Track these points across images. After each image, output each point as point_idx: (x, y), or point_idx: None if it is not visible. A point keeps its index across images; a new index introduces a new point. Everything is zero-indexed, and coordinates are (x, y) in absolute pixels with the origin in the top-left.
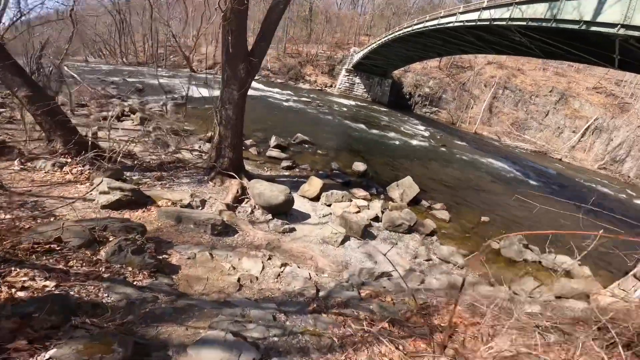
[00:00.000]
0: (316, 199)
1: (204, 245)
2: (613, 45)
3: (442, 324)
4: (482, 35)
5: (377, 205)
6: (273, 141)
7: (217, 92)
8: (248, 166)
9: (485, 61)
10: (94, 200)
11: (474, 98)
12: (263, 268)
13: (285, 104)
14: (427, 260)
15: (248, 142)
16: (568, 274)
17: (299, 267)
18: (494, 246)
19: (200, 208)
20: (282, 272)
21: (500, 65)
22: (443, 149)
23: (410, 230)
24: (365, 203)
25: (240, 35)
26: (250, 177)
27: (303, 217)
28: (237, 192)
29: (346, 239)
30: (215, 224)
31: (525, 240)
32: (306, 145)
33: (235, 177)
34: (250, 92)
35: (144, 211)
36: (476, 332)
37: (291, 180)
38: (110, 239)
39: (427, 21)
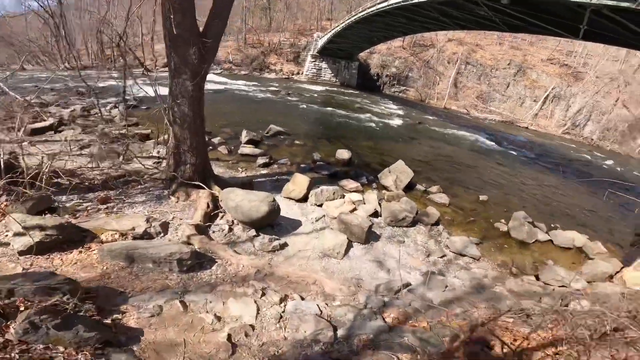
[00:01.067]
0: (304, 199)
1: (171, 291)
2: (580, 16)
3: (505, 351)
4: (447, 10)
5: (372, 197)
6: (244, 136)
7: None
8: (218, 169)
9: (445, 39)
10: (9, 244)
11: (439, 75)
12: (258, 311)
13: (252, 95)
14: (441, 257)
15: (216, 140)
16: (580, 250)
17: (303, 299)
18: (502, 228)
19: (162, 235)
20: (283, 311)
21: (460, 41)
22: (420, 125)
23: (414, 222)
24: (359, 197)
25: (188, 11)
26: (223, 183)
27: (293, 225)
28: (208, 206)
29: (349, 246)
30: (182, 258)
31: (530, 217)
32: (281, 137)
33: (203, 187)
34: (213, 86)
35: (80, 252)
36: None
37: (271, 180)
38: (21, 308)
39: None
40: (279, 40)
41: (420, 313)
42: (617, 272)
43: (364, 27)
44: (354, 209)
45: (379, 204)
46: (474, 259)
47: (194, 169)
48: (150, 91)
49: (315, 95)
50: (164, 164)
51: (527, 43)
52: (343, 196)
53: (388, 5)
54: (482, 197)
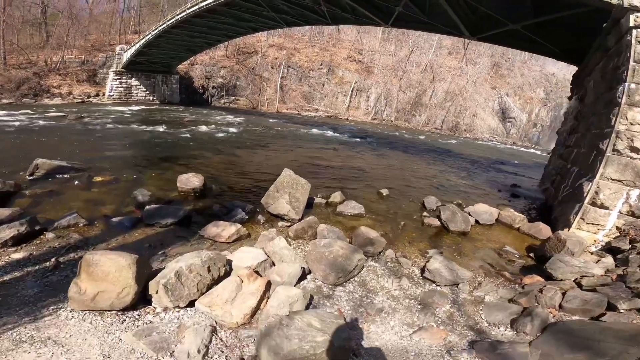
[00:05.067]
0: (133, 304)
1: None
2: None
3: None
4: (277, 4)
5: (279, 242)
6: None
7: None
8: None
9: (267, 44)
10: None
11: (265, 81)
12: None
13: (15, 125)
14: (452, 307)
15: None
16: (503, 224)
17: None
18: (435, 223)
19: None
20: None
21: (280, 46)
22: (263, 130)
23: (361, 264)
24: (254, 253)
25: None
26: None
27: None
28: None
29: None
30: None
31: (439, 200)
32: (65, 176)
33: None
34: None
35: None
36: None
37: (38, 274)
38: None
39: None
40: (61, 58)
41: None
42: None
43: (183, 33)
44: (265, 289)
45: (294, 250)
46: (472, 288)
47: None
48: None
49: (127, 115)
50: None
51: (330, 45)
52: (228, 266)
53: (215, 2)
54: (383, 192)
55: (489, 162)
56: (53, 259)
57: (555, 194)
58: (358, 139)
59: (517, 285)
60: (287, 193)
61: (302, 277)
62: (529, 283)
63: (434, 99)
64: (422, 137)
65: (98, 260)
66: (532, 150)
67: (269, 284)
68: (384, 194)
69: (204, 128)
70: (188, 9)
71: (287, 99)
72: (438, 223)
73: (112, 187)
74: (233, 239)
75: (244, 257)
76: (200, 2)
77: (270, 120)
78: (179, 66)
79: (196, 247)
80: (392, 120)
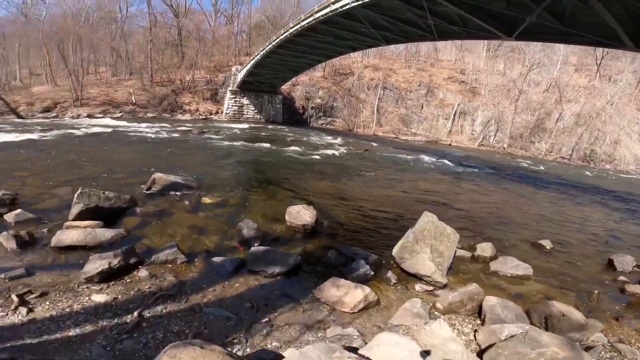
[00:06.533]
0: None
1: None
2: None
3: None
4: (378, 20)
5: (428, 332)
6: (76, 202)
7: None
8: None
9: (362, 65)
10: None
11: (361, 102)
12: None
13: (151, 137)
14: None
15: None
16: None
17: None
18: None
19: None
20: None
21: (376, 67)
22: (367, 153)
23: None
24: (400, 348)
25: None
26: None
27: None
28: None
29: None
30: None
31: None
32: (177, 193)
33: None
34: (97, 129)
35: None
36: None
37: (106, 337)
38: None
39: (316, 12)
40: (192, 77)
41: None
42: None
43: (287, 53)
44: None
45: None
46: None
47: None
48: None
49: (238, 132)
50: None
51: (428, 64)
52: None
53: (314, 20)
54: (544, 244)
55: None
56: (136, 313)
57: None
58: (475, 169)
59: None
60: (428, 246)
61: None
62: None
63: (561, 122)
64: (545, 168)
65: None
66: None
67: None
68: (547, 247)
69: (307, 148)
70: (291, 28)
71: (383, 121)
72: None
73: (218, 212)
74: (359, 308)
75: (391, 355)
76: (302, 20)
77: (369, 144)
78: (282, 87)
79: (310, 315)
80: (504, 147)
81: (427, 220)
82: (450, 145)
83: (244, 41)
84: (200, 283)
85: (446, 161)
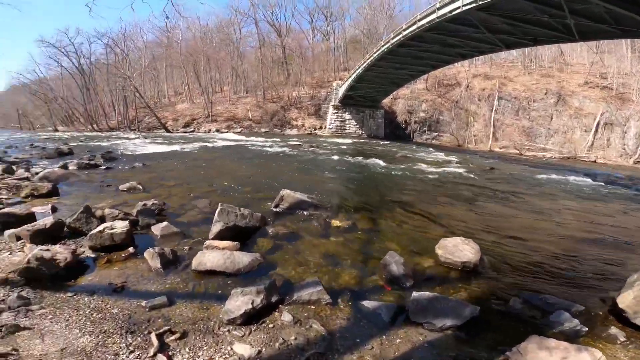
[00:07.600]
0: None
1: None
2: None
3: None
4: (496, 23)
5: None
6: (217, 220)
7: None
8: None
9: (470, 75)
10: None
11: (472, 114)
12: None
13: (267, 151)
14: None
15: (158, 229)
16: None
17: None
18: None
19: None
20: None
21: (486, 76)
22: (495, 172)
23: None
24: None
25: None
26: None
27: None
28: None
29: None
30: None
31: None
32: (305, 213)
33: None
34: (224, 142)
35: None
36: None
37: None
38: None
39: (419, 20)
40: (298, 94)
41: None
42: None
43: (387, 65)
44: None
45: None
46: None
47: None
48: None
49: (344, 147)
50: None
51: (555, 69)
52: None
53: (417, 28)
54: None
55: None
56: None
57: None
58: None
59: None
60: None
61: None
62: None
63: None
64: None
65: None
66: None
67: None
68: None
69: (422, 166)
70: (392, 39)
71: (499, 135)
72: None
73: (349, 238)
74: None
75: None
76: (403, 30)
77: (491, 161)
78: (383, 101)
79: None
80: None
81: None
82: (595, 162)
83: (341, 56)
84: (352, 336)
85: (600, 182)
